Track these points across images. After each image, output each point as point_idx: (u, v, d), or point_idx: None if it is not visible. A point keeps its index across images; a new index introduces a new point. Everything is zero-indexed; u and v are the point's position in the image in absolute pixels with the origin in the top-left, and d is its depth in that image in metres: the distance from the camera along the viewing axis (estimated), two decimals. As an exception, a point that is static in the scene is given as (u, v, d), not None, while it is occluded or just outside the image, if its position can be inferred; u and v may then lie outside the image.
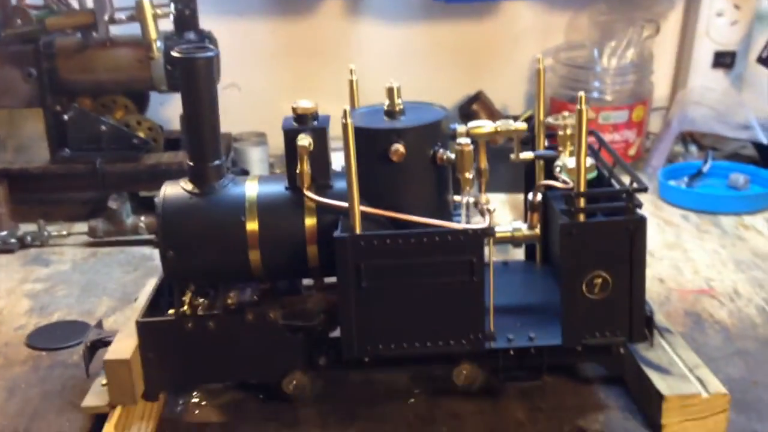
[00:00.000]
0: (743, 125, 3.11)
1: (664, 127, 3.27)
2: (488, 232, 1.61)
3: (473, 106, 3.26)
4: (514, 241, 1.83)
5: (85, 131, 2.75)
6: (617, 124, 3.16)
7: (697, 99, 3.22)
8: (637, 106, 3.17)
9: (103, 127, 2.75)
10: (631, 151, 3.22)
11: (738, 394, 1.76)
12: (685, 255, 2.50)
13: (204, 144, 1.71)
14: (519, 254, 2.14)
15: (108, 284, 2.39)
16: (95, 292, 2.35)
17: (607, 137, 3.11)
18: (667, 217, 2.77)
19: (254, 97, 3.30)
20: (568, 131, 1.82)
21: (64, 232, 2.68)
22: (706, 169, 3.04)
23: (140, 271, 2.46)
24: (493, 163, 1.72)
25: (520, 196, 2.06)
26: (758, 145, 3.15)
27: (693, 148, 3.30)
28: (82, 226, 2.68)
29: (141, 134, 2.81)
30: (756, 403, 1.76)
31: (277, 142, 1.69)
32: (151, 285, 1.93)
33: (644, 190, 1.61)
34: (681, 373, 1.71)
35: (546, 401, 1.77)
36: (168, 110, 3.21)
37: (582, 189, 1.60)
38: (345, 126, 1.53)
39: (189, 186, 1.73)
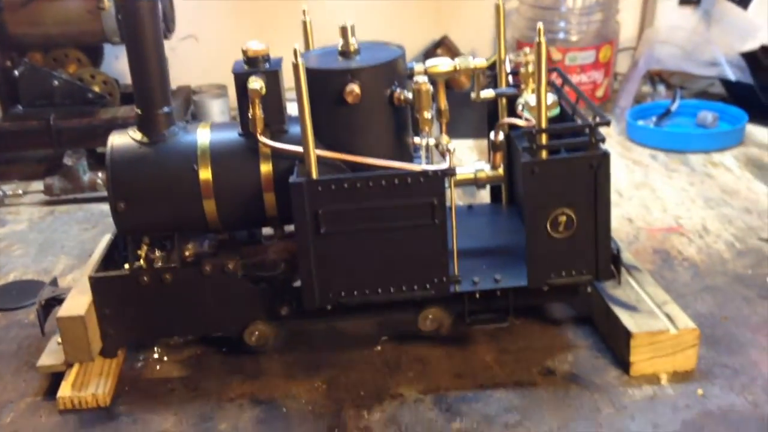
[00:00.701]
0: (711, 62, 3.07)
1: (631, 67, 3.23)
2: (449, 172, 1.57)
3: (438, 51, 3.19)
4: (477, 182, 1.79)
5: (37, 87, 2.67)
6: (584, 65, 3.11)
7: (664, 37, 3.17)
8: (603, 46, 3.12)
9: (56, 82, 2.67)
10: (599, 93, 3.18)
11: (707, 329, 1.75)
12: (653, 194, 2.47)
13: (151, 90, 1.65)
14: (485, 198, 2.10)
15: (66, 242, 2.33)
16: (52, 250, 2.29)
17: (574, 79, 3.06)
18: (635, 157, 2.74)
19: (213, 49, 3.21)
20: (530, 68, 1.76)
21: (20, 191, 2.61)
22: (674, 108, 3.01)
23: (99, 228, 2.40)
24: (459, 108, 1.68)
25: (486, 142, 2.01)
26: (726, 83, 3.11)
27: (661, 88, 3.26)
28: (38, 185, 2.61)
29: (95, 88, 2.73)
30: (725, 338, 1.74)
31: (238, 95, 1.62)
32: (105, 240, 1.87)
33: (606, 123, 1.56)
34: (649, 310, 1.69)
35: (514, 343, 1.75)
36: (123, 63, 3.09)
37: (543, 125, 1.56)
38: (296, 67, 1.47)
39: (138, 135, 1.67)
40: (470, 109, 2.05)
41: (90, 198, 2.57)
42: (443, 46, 3.21)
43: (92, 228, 2.41)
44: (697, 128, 2.91)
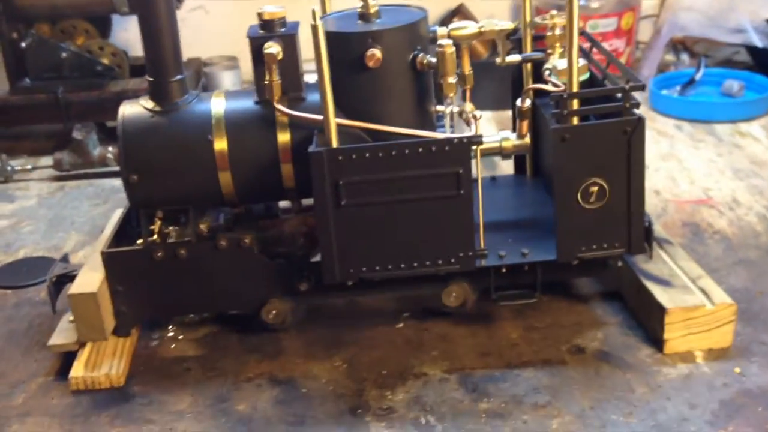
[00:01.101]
0: (736, 29, 2.97)
1: (653, 34, 3.13)
2: (475, 140, 1.49)
3: (454, 20, 3.10)
4: (502, 152, 1.72)
5: (44, 59, 2.59)
6: (605, 33, 3.02)
7: (687, 4, 3.07)
8: (625, 13, 3.02)
9: (64, 54, 2.59)
10: (621, 61, 3.08)
11: (743, 304, 1.67)
12: (680, 165, 2.39)
13: (163, 57, 1.58)
14: (507, 169, 2.03)
15: (76, 218, 2.27)
16: (63, 226, 2.23)
17: (595, 47, 2.97)
18: (660, 128, 2.66)
19: (223, 20, 3.13)
20: (557, 31, 1.69)
21: (29, 167, 2.55)
22: (698, 76, 2.91)
23: (110, 203, 2.34)
24: (478, 79, 1.60)
25: (507, 113, 1.94)
26: (752, 50, 3.02)
27: (684, 56, 3.16)
28: (47, 160, 2.54)
29: (104, 60, 2.65)
30: (762, 313, 1.67)
31: (250, 67, 1.55)
32: (117, 215, 1.81)
33: (641, 87, 1.49)
34: (683, 285, 1.62)
35: (540, 320, 1.68)
36: (132, 34, 3.03)
37: (575, 89, 1.48)
38: (315, 28, 1.40)
39: (150, 104, 1.60)
40: (488, 79, 1.96)
41: (100, 173, 2.50)
42: (459, 14, 3.12)
43: (103, 203, 2.34)
44: (722, 97, 2.82)
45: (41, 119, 2.62)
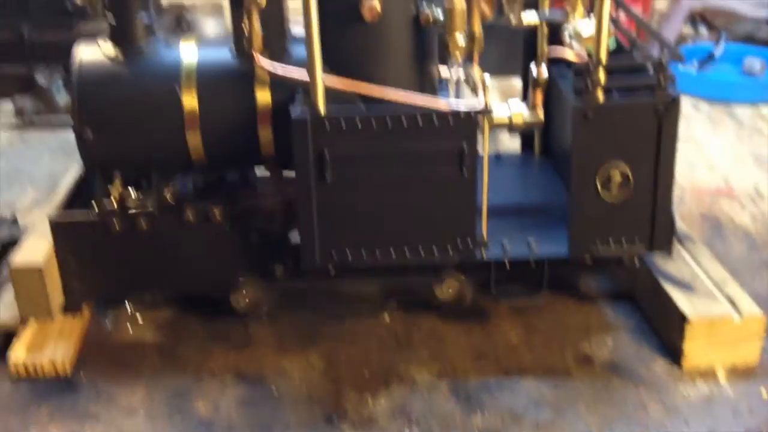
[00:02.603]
0: (761, 2, 2.76)
1: (672, 3, 2.91)
2: (483, 112, 1.29)
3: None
4: (512, 126, 1.51)
5: (10, -6, 2.36)
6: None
7: (710, -28, 2.86)
8: (644, -21, 2.81)
9: (32, -11, 2.36)
10: (635, 33, 2.87)
11: (769, 313, 1.49)
12: (698, 149, 2.20)
13: (127, -8, 1.36)
14: (510, 145, 1.83)
15: (35, 172, 2.07)
16: (19, 181, 2.03)
17: (610, 15, 2.76)
18: (675, 106, 2.46)
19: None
20: (581, -11, 1.47)
21: (-14, 111, 2.34)
22: (718, 52, 2.70)
23: (74, 157, 2.08)
24: (480, 42, 1.39)
25: (512, 81, 1.73)
26: (776, 26, 2.82)
27: (703, 29, 2.95)
28: (7, 106, 2.32)
29: (76, -1, 2.42)
30: (791, 324, 1.49)
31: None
32: (74, 173, 1.61)
33: (680, 59, 1.29)
34: (707, 291, 1.43)
35: (543, 320, 1.50)
36: (109, -28, 2.80)
37: (603, 59, 1.28)
38: (303, -29, 1.18)
39: (110, 48, 1.39)
40: (491, 44, 1.76)
41: (66, 123, 2.28)
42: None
43: (66, 157, 2.12)
44: (743, 76, 2.62)
45: (3, 60, 2.39)
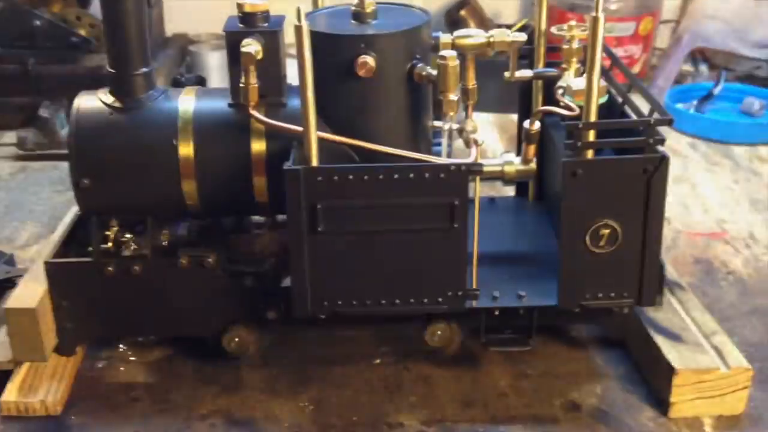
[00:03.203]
0: (761, 43, 2.79)
1: (673, 42, 2.94)
2: (474, 168, 1.31)
3: (461, 12, 2.90)
4: (504, 177, 1.53)
5: (16, 26, 2.41)
6: (621, 38, 2.83)
7: (711, 12, 2.88)
8: (644, 17, 2.83)
9: (37, 22, 2.41)
10: (635, 69, 2.89)
11: (757, 363, 1.49)
12: (693, 191, 2.21)
13: (128, 46, 1.38)
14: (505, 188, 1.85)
15: (35, 206, 2.09)
16: (19, 214, 2.05)
17: (609, 52, 2.78)
18: (673, 145, 2.47)
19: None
20: (575, 45, 1.49)
21: (-11, 143, 2.37)
22: (717, 91, 2.72)
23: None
24: (481, 79, 1.42)
25: (511, 117, 1.75)
26: (776, 67, 2.84)
27: (703, 68, 2.97)
28: (10, 137, 2.35)
29: (81, 32, 2.46)
30: (779, 375, 1.51)
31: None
32: (71, 214, 1.63)
33: (669, 122, 1.31)
34: (695, 341, 1.45)
35: (533, 367, 1.51)
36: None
37: (593, 118, 1.30)
38: (298, 29, 1.21)
39: (109, 99, 1.41)
40: (492, 80, 1.78)
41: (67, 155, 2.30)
42: (467, 7, 2.92)
43: (67, 191, 2.13)
44: (742, 116, 2.64)
45: (8, 92, 2.43)
